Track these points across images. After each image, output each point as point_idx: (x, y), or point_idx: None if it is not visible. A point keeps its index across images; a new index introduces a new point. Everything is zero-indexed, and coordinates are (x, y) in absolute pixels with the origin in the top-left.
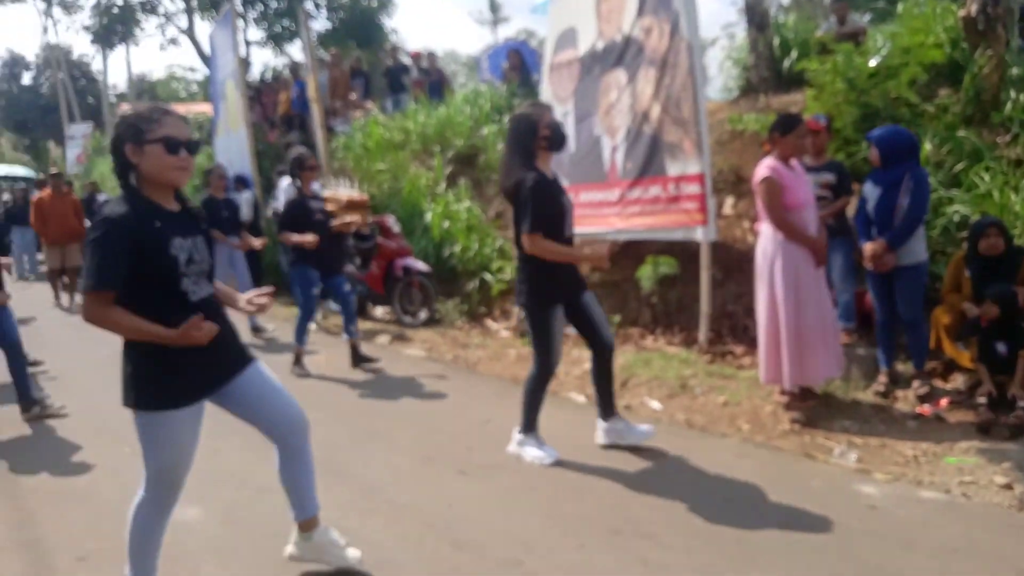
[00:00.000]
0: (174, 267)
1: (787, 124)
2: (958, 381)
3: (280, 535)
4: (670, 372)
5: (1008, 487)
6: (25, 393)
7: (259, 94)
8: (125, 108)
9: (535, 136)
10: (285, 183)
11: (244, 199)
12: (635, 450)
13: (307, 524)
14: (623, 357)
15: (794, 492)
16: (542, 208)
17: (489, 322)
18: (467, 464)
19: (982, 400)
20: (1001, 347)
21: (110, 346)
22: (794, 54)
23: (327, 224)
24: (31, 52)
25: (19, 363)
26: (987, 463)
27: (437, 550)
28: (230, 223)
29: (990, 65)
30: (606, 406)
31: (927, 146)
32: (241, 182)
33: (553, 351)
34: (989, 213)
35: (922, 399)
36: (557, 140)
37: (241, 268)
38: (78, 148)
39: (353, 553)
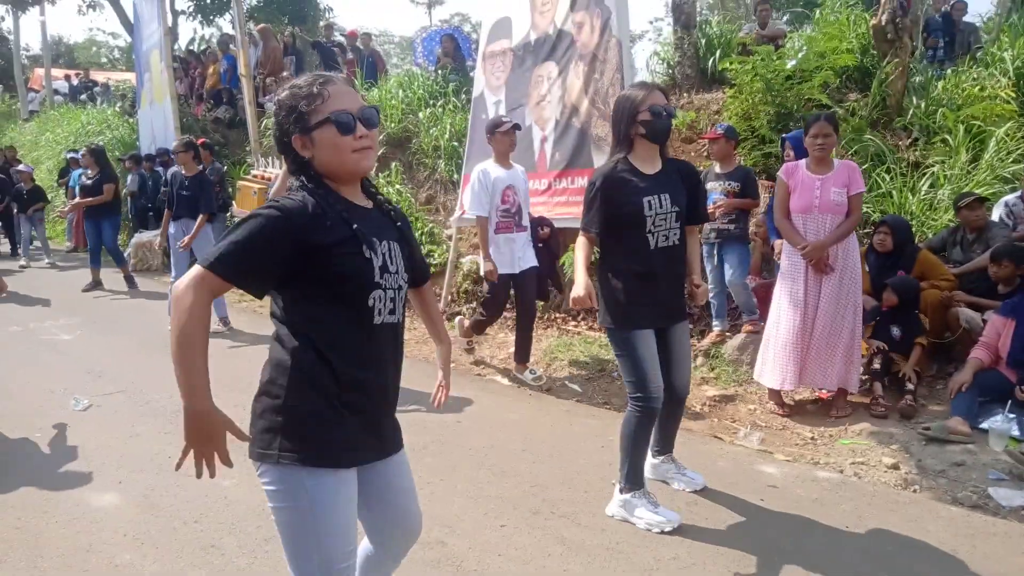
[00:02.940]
0: (363, 275)
1: (805, 125)
2: None
3: (201, 521)
4: (590, 356)
5: (895, 467)
6: None
7: (187, 66)
8: (282, 90)
9: (632, 121)
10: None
11: (172, 173)
12: (555, 434)
13: None
14: (546, 341)
15: (701, 472)
16: (604, 207)
17: None
18: None
19: (879, 393)
20: (895, 331)
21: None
22: (718, 54)
23: None
24: None
25: None
26: (877, 444)
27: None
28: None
29: (896, 72)
30: (664, 443)
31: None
32: (165, 155)
33: (648, 380)
34: (888, 212)
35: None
36: (658, 129)
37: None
38: None
39: None
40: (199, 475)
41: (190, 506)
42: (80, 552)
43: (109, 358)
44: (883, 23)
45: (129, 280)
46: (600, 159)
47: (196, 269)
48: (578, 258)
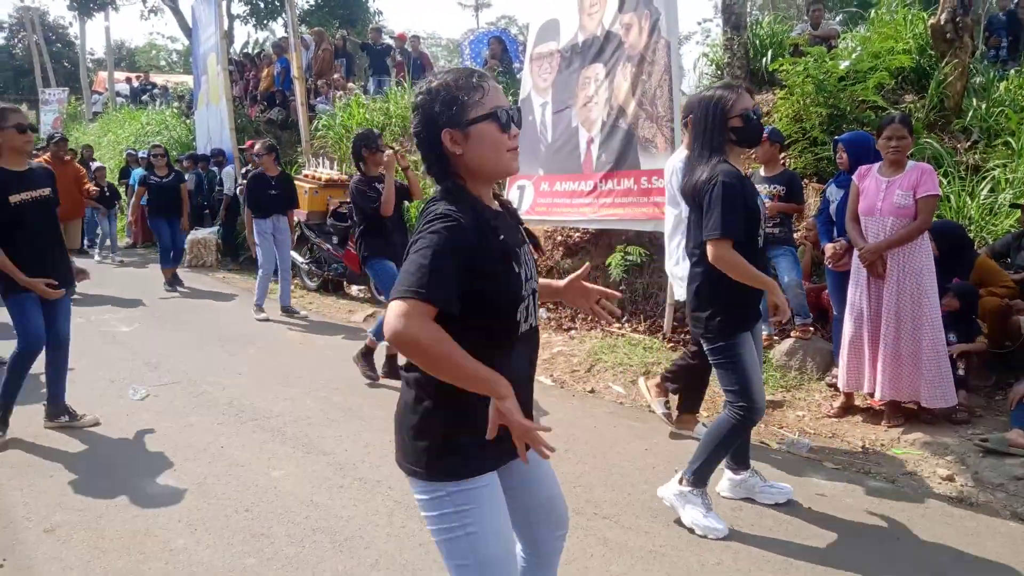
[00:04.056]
0: (513, 291)
1: (879, 127)
2: None
3: (251, 510)
4: (634, 358)
5: (950, 479)
6: (57, 398)
7: (242, 68)
8: (430, 80)
9: (724, 126)
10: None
11: (227, 173)
12: (598, 435)
13: None
14: (589, 343)
15: None
16: (735, 210)
17: None
18: None
19: None
20: (951, 336)
21: (104, 327)
22: (769, 55)
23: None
24: (4, 13)
25: (62, 364)
26: (931, 455)
27: (405, 526)
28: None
29: (955, 73)
30: (743, 456)
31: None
32: (220, 155)
33: (753, 389)
34: (945, 217)
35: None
36: (750, 133)
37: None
38: (54, 113)
39: None
40: (526, 461)
41: (241, 495)
42: (138, 535)
43: (166, 350)
44: (942, 22)
45: (174, 279)
46: (647, 161)
47: (401, 302)
48: (750, 268)
